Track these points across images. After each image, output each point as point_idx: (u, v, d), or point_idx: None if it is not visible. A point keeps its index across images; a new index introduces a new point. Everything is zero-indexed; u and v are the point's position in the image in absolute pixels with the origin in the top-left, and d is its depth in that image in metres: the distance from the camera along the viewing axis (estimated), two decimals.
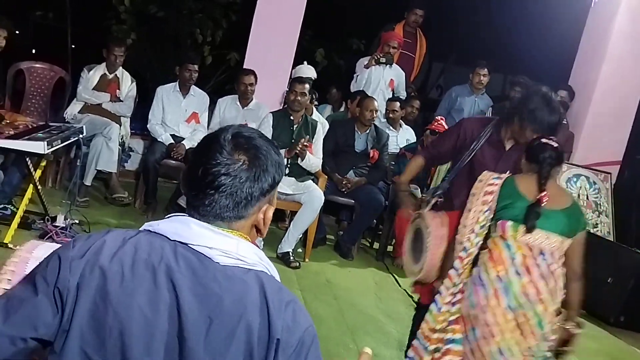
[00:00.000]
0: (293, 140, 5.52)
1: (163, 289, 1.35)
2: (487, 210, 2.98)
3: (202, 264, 1.39)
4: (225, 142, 1.44)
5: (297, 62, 6.84)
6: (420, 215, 3.41)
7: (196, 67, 6.23)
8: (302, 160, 5.52)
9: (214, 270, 1.38)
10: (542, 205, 2.86)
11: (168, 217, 1.48)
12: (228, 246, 1.41)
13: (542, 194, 2.90)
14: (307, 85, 5.64)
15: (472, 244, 3.00)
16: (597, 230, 6.33)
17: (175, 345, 1.34)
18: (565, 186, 6.16)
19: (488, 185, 3.02)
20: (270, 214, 1.52)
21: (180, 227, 1.43)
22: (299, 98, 5.56)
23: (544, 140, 3.06)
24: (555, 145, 3.05)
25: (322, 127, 6.01)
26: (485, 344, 2.89)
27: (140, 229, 1.47)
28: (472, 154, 3.42)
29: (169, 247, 1.40)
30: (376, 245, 6.55)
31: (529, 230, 2.88)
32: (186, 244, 1.41)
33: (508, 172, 3.08)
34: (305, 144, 5.49)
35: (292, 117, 5.63)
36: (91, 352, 1.33)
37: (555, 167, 3.04)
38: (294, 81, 5.70)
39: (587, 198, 6.50)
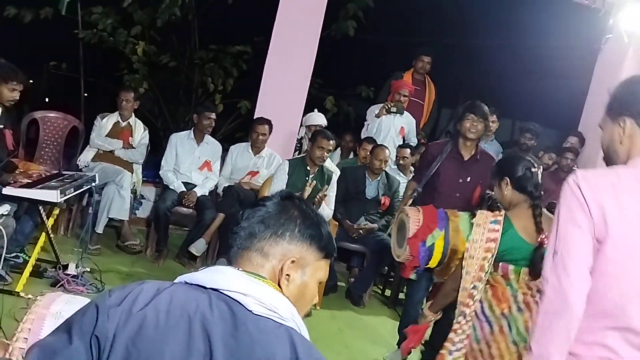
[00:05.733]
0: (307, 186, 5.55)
1: (197, 338, 1.36)
2: (490, 257, 3.08)
3: (235, 314, 1.39)
4: (286, 196, 1.61)
5: (307, 109, 6.91)
6: (403, 210, 3.99)
7: (214, 115, 6.36)
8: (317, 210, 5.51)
9: (246, 320, 1.39)
10: (545, 246, 2.92)
11: (204, 268, 1.51)
12: (263, 295, 1.43)
13: (543, 236, 3.00)
14: (332, 142, 5.68)
15: (478, 291, 3.12)
16: None
17: None
18: None
19: (489, 231, 3.12)
20: (287, 266, 1.52)
21: (216, 275, 1.47)
22: (325, 154, 5.61)
23: (531, 167, 3.15)
24: (537, 169, 3.18)
25: (336, 177, 6.03)
26: None
27: (175, 280, 1.50)
28: (437, 166, 4.62)
29: (204, 296, 1.42)
30: (388, 292, 6.50)
31: (536, 276, 2.97)
32: (221, 291, 1.42)
33: (501, 212, 3.26)
34: (325, 194, 5.51)
35: (308, 167, 5.65)
36: None
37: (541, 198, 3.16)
38: (321, 136, 5.65)
39: None
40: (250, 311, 1.40)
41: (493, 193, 3.75)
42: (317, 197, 5.46)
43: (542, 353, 1.79)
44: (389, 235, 6.15)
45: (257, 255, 1.52)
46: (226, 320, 1.38)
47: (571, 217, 1.80)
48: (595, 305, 1.78)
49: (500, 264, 3.09)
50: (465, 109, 4.70)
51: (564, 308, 1.76)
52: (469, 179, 4.66)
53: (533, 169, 3.18)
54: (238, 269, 1.49)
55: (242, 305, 1.40)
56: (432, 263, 3.66)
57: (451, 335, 3.16)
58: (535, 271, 2.99)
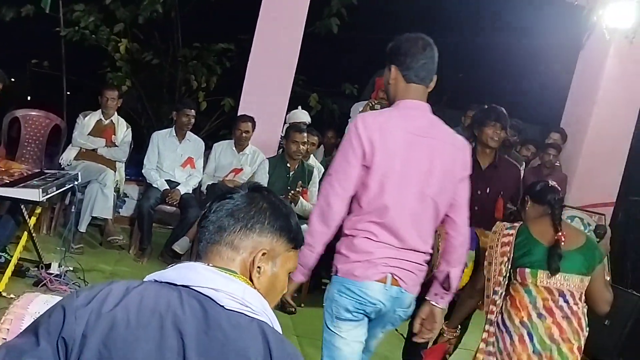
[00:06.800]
0: (289, 187, 5.52)
1: (170, 336, 1.35)
2: (506, 261, 3.13)
3: (207, 311, 1.38)
4: (254, 187, 1.60)
5: (291, 107, 6.90)
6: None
7: (193, 112, 6.31)
8: (295, 206, 5.51)
9: (218, 316, 1.38)
10: (562, 245, 3.01)
11: (174, 265, 1.50)
12: (234, 289, 1.42)
13: (559, 234, 3.04)
14: (305, 134, 5.64)
15: (499, 297, 3.15)
16: None
17: None
18: None
19: (503, 236, 3.19)
20: (259, 257, 1.51)
21: (187, 271, 1.45)
22: (301, 147, 5.57)
23: (549, 183, 3.27)
24: (557, 186, 3.29)
25: (319, 172, 6.02)
26: None
27: (144, 279, 1.48)
28: None
29: (175, 294, 1.41)
30: None
31: (553, 273, 3.02)
32: (192, 288, 1.41)
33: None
34: (299, 189, 5.49)
35: (288, 164, 5.63)
36: None
37: (562, 207, 3.22)
38: (293, 130, 5.63)
39: None
40: (222, 306, 1.39)
41: (515, 208, 3.86)
42: (291, 193, 5.44)
43: (312, 243, 2.58)
44: None
45: (227, 249, 1.51)
46: (198, 317, 1.37)
47: (346, 150, 2.53)
48: (365, 207, 2.55)
49: (518, 269, 3.11)
50: (487, 115, 4.19)
51: (327, 210, 2.54)
52: (488, 190, 4.13)
53: (550, 183, 3.33)
54: (208, 265, 1.48)
55: (214, 300, 1.40)
56: (460, 284, 3.64)
57: (482, 345, 3.18)
58: (551, 270, 3.02)
